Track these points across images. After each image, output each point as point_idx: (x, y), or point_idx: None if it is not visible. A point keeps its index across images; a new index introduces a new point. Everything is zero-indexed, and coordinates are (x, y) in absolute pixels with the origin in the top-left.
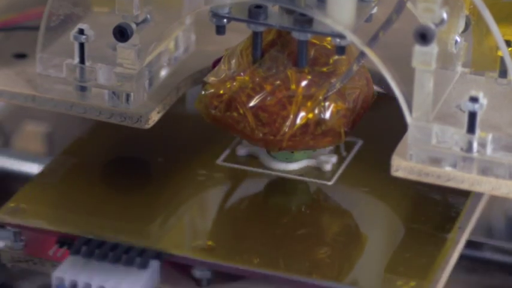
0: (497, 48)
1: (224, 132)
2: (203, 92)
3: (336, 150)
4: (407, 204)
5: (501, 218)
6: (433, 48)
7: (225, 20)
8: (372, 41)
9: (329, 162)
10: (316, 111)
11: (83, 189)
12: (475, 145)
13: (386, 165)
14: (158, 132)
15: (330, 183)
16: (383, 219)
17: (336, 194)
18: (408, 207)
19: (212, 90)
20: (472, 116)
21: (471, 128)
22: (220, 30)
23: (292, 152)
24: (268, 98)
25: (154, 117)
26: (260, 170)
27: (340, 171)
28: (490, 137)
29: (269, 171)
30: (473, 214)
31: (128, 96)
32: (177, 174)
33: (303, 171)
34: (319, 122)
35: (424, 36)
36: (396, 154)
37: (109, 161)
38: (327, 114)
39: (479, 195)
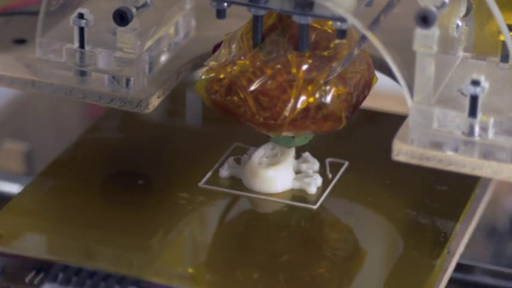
0: (499, 32)
1: (206, 152)
2: (203, 77)
3: (322, 172)
4: (395, 229)
5: (504, 218)
6: (434, 31)
7: (225, 4)
8: (373, 25)
9: (314, 184)
10: (317, 95)
11: (60, 213)
12: (476, 129)
13: (372, 187)
14: (138, 154)
15: (314, 206)
16: (369, 245)
17: (321, 217)
18: (395, 232)
19: (212, 75)
20: (474, 99)
21: (473, 112)
22: (220, 14)
23: (293, 137)
24: (269, 82)
25: (154, 102)
26: (242, 193)
27: (325, 194)
28: (491, 120)
29: (252, 194)
30: (463, 239)
31: (128, 80)
32: (157, 198)
33: (287, 194)
34: (320, 106)
35: (425, 19)
36: (397, 138)
37: (87, 185)
38: (328, 99)
39: (468, 217)
